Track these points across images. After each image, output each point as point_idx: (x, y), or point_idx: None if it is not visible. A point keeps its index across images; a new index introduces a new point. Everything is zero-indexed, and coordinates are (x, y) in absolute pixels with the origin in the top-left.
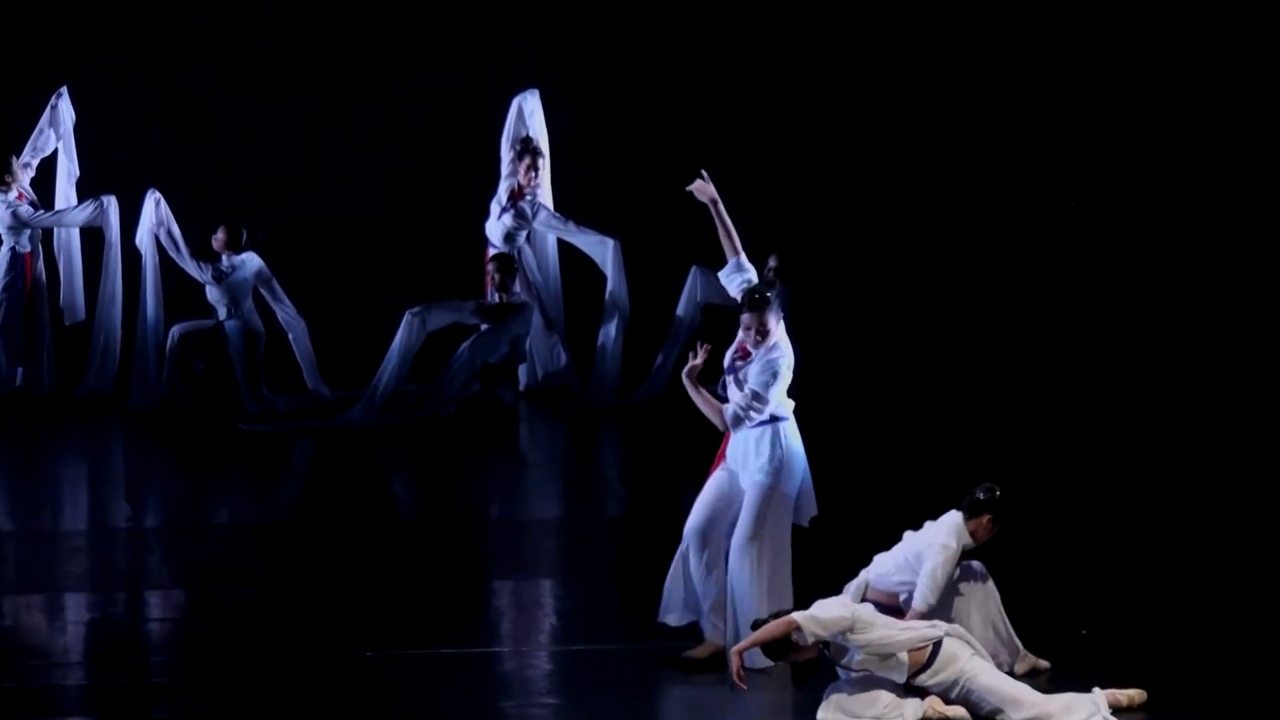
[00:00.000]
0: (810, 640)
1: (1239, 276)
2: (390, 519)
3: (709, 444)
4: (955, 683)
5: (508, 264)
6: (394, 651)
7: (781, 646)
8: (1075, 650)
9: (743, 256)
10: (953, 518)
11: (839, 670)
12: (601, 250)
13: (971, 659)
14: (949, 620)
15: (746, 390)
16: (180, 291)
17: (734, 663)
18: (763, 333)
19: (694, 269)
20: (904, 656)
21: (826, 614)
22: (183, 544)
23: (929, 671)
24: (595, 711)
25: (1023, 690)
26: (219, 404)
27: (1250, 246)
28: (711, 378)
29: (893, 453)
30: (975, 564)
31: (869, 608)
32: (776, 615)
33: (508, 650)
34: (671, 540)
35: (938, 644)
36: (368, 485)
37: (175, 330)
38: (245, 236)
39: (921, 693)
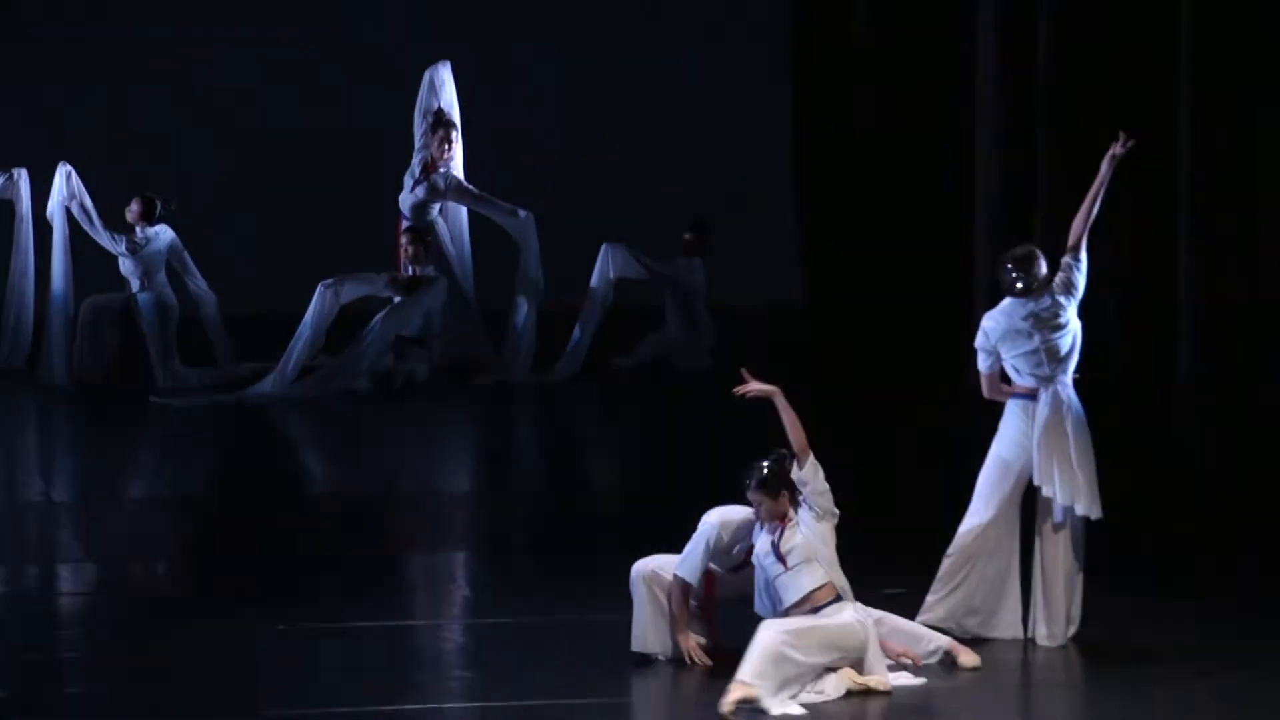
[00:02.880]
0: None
1: None
2: (303, 492)
3: (623, 418)
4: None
5: (421, 237)
6: (307, 624)
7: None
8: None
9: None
10: None
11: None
12: (515, 223)
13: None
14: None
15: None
16: (91, 264)
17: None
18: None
19: (605, 246)
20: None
21: (692, 550)
22: (95, 518)
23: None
24: (510, 684)
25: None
26: (131, 377)
27: None
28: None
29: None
30: None
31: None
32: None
33: (421, 624)
34: (585, 513)
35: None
36: (280, 458)
37: (87, 303)
38: (159, 208)
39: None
